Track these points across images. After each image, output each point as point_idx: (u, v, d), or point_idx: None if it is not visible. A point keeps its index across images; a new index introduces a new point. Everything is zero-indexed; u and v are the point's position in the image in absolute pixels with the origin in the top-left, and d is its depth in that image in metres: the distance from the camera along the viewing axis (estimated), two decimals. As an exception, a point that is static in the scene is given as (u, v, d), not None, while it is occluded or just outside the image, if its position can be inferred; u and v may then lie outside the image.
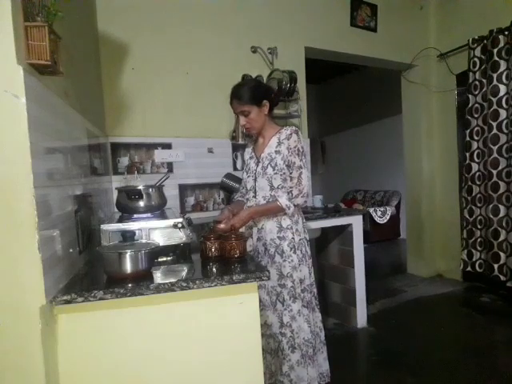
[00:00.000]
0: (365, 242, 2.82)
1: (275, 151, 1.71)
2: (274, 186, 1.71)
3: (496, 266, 3.22)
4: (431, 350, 2.43)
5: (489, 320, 2.87)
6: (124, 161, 2.50)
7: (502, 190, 3.18)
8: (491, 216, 3.24)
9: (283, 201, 1.66)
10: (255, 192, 1.77)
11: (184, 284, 1.07)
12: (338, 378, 1.94)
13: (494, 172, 3.21)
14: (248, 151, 1.91)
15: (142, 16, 2.52)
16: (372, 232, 5.55)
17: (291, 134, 1.69)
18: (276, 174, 1.70)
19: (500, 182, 3.18)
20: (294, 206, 1.68)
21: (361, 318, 2.82)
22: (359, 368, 2.38)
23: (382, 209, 5.63)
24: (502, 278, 3.18)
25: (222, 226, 1.50)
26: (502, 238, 3.19)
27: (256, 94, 1.70)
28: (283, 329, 1.68)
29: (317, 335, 1.83)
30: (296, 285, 1.69)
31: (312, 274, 1.83)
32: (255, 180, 1.78)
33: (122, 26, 2.44)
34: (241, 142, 2.71)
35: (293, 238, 1.71)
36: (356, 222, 2.74)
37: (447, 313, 3.15)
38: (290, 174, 1.70)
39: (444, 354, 2.39)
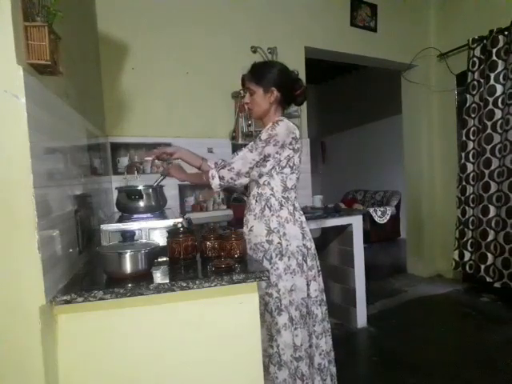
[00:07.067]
0: (365, 242, 2.82)
1: None
2: (259, 183, 1.55)
3: (483, 266, 3.22)
4: (431, 350, 2.43)
5: (488, 320, 2.87)
6: (124, 161, 2.49)
7: (492, 190, 3.18)
8: (481, 216, 3.24)
9: (210, 163, 1.57)
10: (246, 189, 1.64)
11: (184, 284, 1.07)
12: (338, 379, 1.94)
13: (486, 172, 3.22)
14: None
15: (142, 16, 2.52)
16: (372, 232, 5.55)
17: (272, 124, 1.50)
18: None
19: (491, 182, 3.19)
20: (220, 178, 1.48)
21: (361, 318, 2.82)
22: (359, 368, 2.37)
23: (381, 209, 5.60)
24: (489, 279, 3.19)
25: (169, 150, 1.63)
26: (490, 238, 3.19)
27: (267, 77, 1.53)
28: (272, 342, 1.51)
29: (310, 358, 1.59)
30: (282, 295, 1.50)
31: (313, 289, 1.61)
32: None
33: (121, 26, 2.44)
34: (241, 141, 2.70)
35: (279, 243, 1.53)
36: (356, 222, 2.74)
37: (447, 313, 3.15)
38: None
39: (444, 354, 2.39)
